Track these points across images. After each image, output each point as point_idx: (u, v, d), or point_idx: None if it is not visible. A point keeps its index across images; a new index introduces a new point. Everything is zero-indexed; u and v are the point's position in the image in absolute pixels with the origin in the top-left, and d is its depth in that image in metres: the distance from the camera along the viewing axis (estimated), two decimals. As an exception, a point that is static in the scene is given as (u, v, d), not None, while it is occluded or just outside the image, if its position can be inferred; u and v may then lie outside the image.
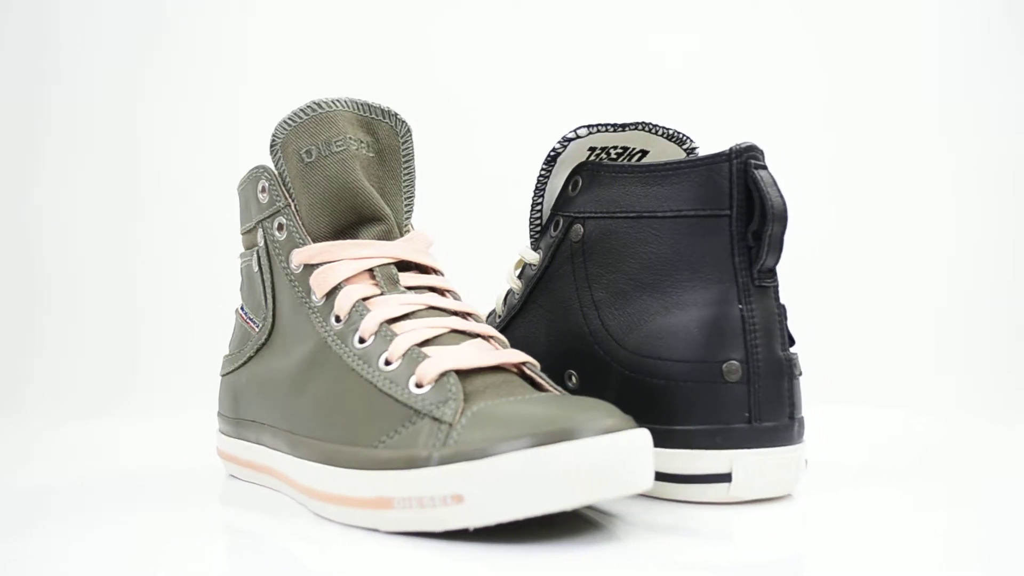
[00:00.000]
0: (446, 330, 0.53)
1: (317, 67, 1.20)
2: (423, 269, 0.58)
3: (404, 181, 0.60)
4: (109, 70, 1.22)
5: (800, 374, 0.55)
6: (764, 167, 0.54)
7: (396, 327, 0.53)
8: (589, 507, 0.52)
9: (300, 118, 0.56)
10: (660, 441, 0.52)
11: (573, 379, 0.58)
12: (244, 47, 1.24)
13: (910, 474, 0.65)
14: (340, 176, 0.56)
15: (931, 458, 0.71)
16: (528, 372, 0.52)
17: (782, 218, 0.53)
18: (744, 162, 0.53)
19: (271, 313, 0.59)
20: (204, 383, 0.83)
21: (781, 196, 0.53)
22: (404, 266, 0.57)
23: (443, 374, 0.49)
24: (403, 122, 0.60)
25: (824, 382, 0.73)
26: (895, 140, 1.20)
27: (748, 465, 0.52)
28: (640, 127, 0.59)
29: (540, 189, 0.60)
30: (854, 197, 1.20)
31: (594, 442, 0.44)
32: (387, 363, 0.51)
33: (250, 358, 0.61)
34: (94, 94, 1.22)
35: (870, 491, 0.58)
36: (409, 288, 0.56)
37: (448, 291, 0.57)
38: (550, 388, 0.52)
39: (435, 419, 0.47)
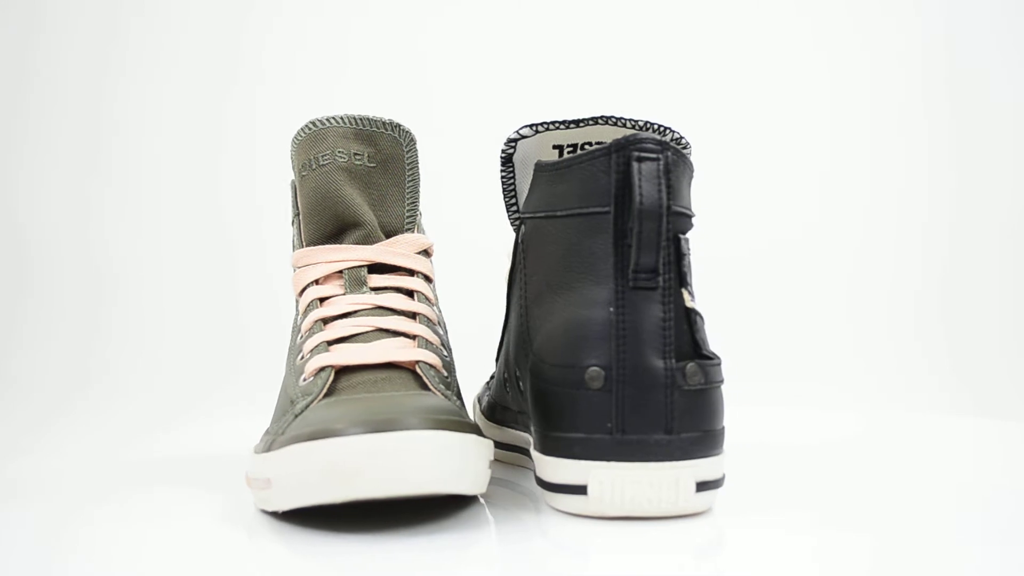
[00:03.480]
0: (371, 328, 0.57)
1: (324, 73, 1.24)
2: (397, 270, 0.62)
3: (408, 188, 0.64)
4: (106, 67, 1.28)
5: (704, 387, 0.50)
6: (651, 159, 0.50)
7: (330, 325, 0.58)
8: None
9: (301, 136, 0.63)
10: (542, 446, 0.52)
11: (521, 383, 0.58)
12: (245, 47, 1.29)
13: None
14: (323, 187, 0.62)
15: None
16: (418, 371, 0.54)
17: (652, 215, 0.49)
18: (626, 156, 0.50)
19: None
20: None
21: (659, 191, 0.49)
22: (379, 268, 0.61)
23: (321, 369, 0.54)
24: (407, 132, 0.64)
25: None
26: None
27: (603, 479, 0.49)
28: (600, 121, 0.57)
29: (508, 191, 0.60)
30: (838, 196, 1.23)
31: (344, 441, 0.46)
32: (301, 358, 0.56)
33: None
34: (74, 85, 1.28)
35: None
36: (374, 289, 0.60)
37: (415, 291, 0.60)
38: (431, 388, 0.53)
39: (295, 411, 0.52)
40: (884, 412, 0.95)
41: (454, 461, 0.47)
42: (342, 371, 0.54)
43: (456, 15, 1.30)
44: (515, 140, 0.58)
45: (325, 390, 0.53)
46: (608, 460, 0.49)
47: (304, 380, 0.54)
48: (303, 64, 1.29)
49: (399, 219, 0.63)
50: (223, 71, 1.30)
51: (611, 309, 0.49)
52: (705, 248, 1.08)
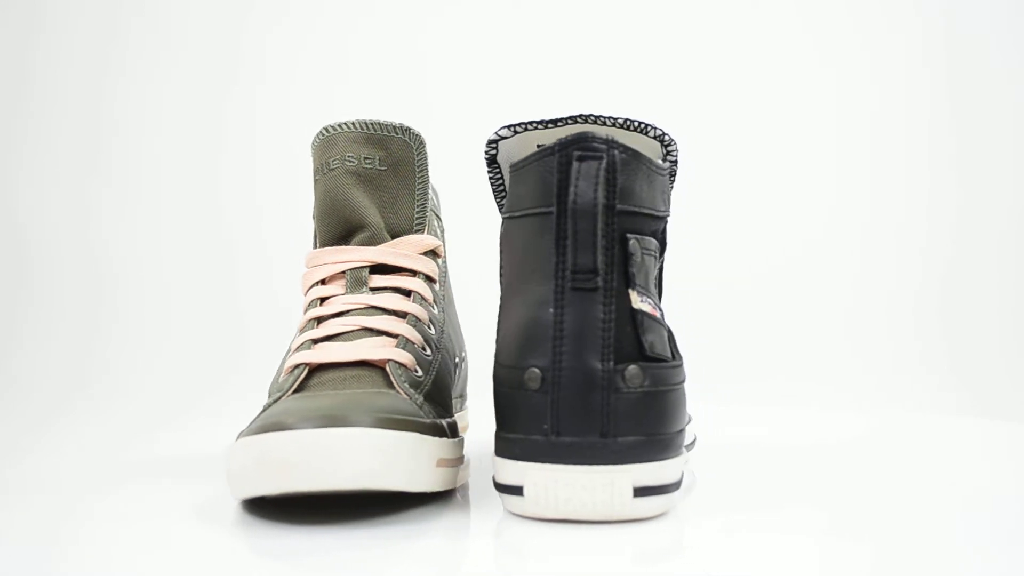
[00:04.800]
0: (356, 328, 0.59)
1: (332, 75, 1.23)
2: (400, 271, 0.63)
3: (417, 190, 0.65)
4: (106, 67, 1.28)
5: (649, 390, 0.49)
6: (593, 157, 0.49)
7: (323, 324, 0.60)
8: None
9: (315, 141, 0.66)
10: (494, 447, 0.52)
11: None
12: (245, 47, 1.28)
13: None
14: (332, 191, 0.64)
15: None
16: (387, 370, 0.56)
17: (586, 214, 0.48)
18: (567, 155, 0.50)
19: None
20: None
21: (594, 190, 0.48)
22: (383, 269, 0.63)
23: (296, 366, 0.56)
24: (416, 135, 0.65)
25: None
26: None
27: (537, 481, 0.49)
28: (579, 119, 0.57)
29: (497, 191, 0.61)
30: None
31: (282, 435, 0.48)
32: (288, 354, 0.59)
33: None
34: (74, 86, 1.28)
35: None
36: (374, 289, 0.62)
37: (413, 291, 0.62)
38: (396, 386, 0.55)
39: (264, 405, 0.55)
40: (884, 412, 0.93)
41: (385, 457, 0.48)
42: (317, 368, 0.56)
43: (457, 15, 1.30)
44: (495, 141, 0.58)
45: (295, 387, 0.55)
46: (543, 462, 0.48)
47: (281, 376, 0.56)
48: (303, 64, 1.30)
49: (408, 220, 0.64)
50: (223, 71, 1.30)
51: (551, 310, 0.49)
52: (705, 248, 1.07)
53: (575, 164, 0.49)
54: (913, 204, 1.23)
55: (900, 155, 1.24)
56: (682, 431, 0.51)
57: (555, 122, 0.57)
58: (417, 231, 0.64)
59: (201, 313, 1.23)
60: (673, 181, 0.59)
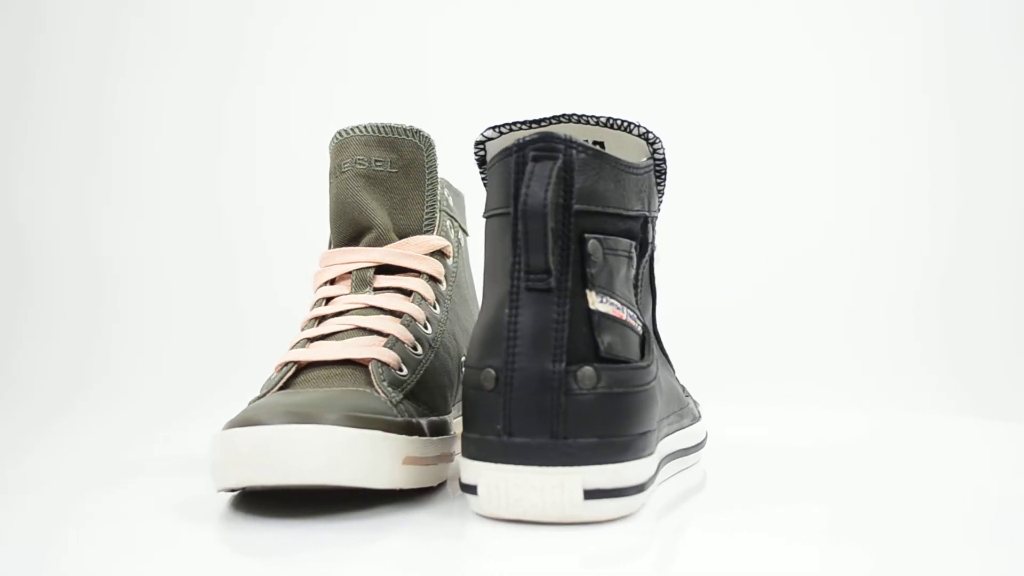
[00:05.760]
0: (351, 327, 0.60)
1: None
2: (405, 271, 0.64)
3: (427, 190, 0.66)
4: (106, 67, 1.28)
5: (605, 391, 0.48)
6: (547, 158, 0.49)
7: (324, 323, 0.62)
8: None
9: (331, 145, 0.68)
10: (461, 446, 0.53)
11: None
12: (245, 47, 1.27)
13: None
14: (342, 194, 0.66)
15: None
16: (369, 369, 0.57)
17: (535, 215, 0.48)
18: (523, 156, 0.50)
19: None
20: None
21: (545, 191, 0.48)
22: (388, 269, 0.64)
23: (285, 363, 0.58)
24: (426, 137, 0.66)
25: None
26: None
27: (489, 481, 0.49)
28: (562, 119, 0.57)
29: (490, 192, 0.61)
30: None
31: (233, 432, 0.50)
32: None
33: None
34: (76, 87, 1.28)
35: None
36: (378, 289, 0.64)
37: (414, 291, 0.63)
38: (375, 385, 0.56)
39: (250, 400, 0.57)
40: (884, 412, 0.92)
41: (342, 453, 0.49)
42: (307, 366, 0.58)
43: (457, 15, 1.30)
44: (482, 142, 0.59)
45: (282, 383, 0.57)
46: (495, 462, 0.49)
47: (272, 373, 0.58)
48: (303, 65, 1.30)
49: (418, 221, 0.66)
50: (223, 71, 1.31)
51: (506, 311, 0.49)
52: (704, 248, 1.05)
53: (530, 165, 0.49)
54: (914, 204, 1.23)
55: (900, 155, 1.24)
56: (647, 433, 0.51)
57: (539, 122, 0.57)
58: (426, 231, 0.65)
59: (201, 313, 1.23)
60: (662, 179, 0.58)
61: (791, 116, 1.25)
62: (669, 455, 0.59)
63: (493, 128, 0.58)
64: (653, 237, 0.57)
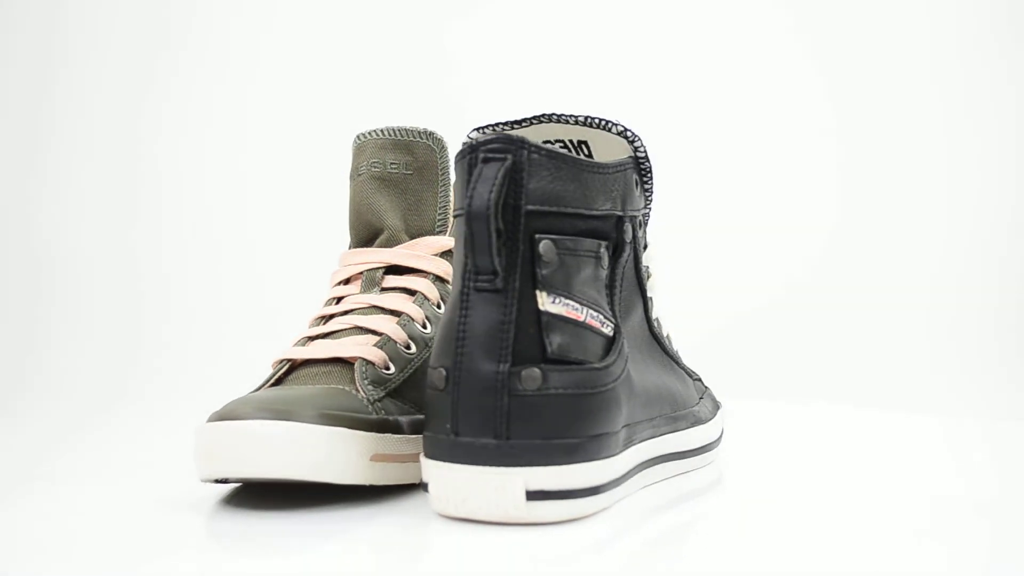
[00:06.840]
0: (350, 326, 0.62)
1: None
2: (414, 272, 0.66)
3: (440, 192, 0.67)
4: (117, 71, 1.28)
5: (550, 392, 0.48)
6: (495, 159, 0.49)
7: (328, 322, 0.64)
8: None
9: (352, 148, 0.70)
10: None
11: None
12: (245, 47, 1.26)
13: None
14: (357, 196, 0.68)
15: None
16: (355, 367, 0.59)
17: (479, 216, 0.48)
18: (474, 158, 0.50)
19: None
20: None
21: (489, 192, 0.49)
22: (398, 270, 0.66)
23: (280, 361, 0.60)
24: (439, 139, 0.67)
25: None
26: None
27: (438, 479, 0.50)
28: (544, 119, 0.57)
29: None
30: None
31: (212, 425, 0.52)
32: None
33: None
34: (102, 94, 1.28)
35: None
36: (385, 289, 0.65)
37: (417, 291, 0.64)
38: (356, 383, 0.57)
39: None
40: (884, 412, 0.90)
41: (302, 449, 0.51)
42: (301, 364, 0.60)
43: (460, 14, 1.29)
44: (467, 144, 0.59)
45: (274, 379, 0.59)
46: (444, 461, 0.49)
47: (271, 370, 0.61)
48: (304, 64, 1.30)
49: (431, 222, 0.67)
50: (224, 71, 1.32)
51: (458, 312, 0.50)
52: (705, 249, 1.01)
53: (479, 167, 0.49)
54: (915, 204, 1.23)
55: (902, 155, 1.24)
56: (604, 436, 0.50)
57: (520, 122, 0.57)
58: (439, 232, 0.66)
59: (200, 313, 1.24)
60: (648, 177, 0.57)
61: (794, 112, 1.25)
62: (657, 458, 0.58)
63: (477, 129, 0.58)
64: (635, 236, 0.56)
